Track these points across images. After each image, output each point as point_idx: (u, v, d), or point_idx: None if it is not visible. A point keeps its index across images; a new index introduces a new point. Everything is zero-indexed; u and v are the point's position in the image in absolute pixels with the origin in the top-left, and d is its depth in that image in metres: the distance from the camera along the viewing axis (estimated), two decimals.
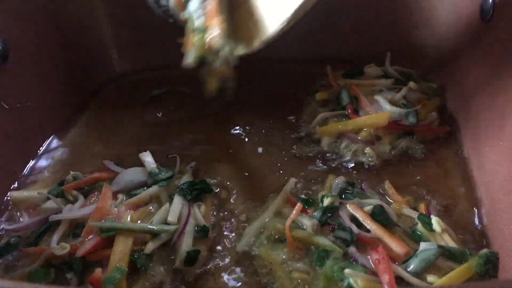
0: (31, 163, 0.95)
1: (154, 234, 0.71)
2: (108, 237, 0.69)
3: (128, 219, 0.72)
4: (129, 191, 0.80)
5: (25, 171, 0.93)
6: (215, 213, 0.82)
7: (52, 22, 1.00)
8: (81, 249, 0.68)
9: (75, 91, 1.09)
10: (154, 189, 0.78)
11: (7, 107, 0.88)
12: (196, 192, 0.80)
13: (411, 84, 0.96)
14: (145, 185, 0.81)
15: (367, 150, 0.89)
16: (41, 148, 0.99)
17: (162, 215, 0.74)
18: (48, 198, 0.79)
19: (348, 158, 0.90)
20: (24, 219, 0.79)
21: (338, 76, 1.03)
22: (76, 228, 0.73)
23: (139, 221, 0.73)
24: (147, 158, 0.85)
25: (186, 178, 0.83)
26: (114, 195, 0.78)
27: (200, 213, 0.78)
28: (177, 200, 0.76)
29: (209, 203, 0.82)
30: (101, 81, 1.12)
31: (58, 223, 0.74)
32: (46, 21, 0.98)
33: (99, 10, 1.14)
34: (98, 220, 0.72)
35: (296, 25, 0.74)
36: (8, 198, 0.84)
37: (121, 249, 0.68)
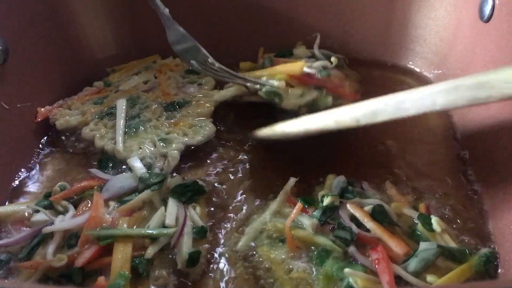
0: (22, 173, 0.93)
1: (153, 239, 0.72)
2: (106, 245, 0.70)
3: (125, 225, 0.73)
4: (120, 198, 0.79)
5: (14, 183, 0.91)
6: (215, 213, 0.83)
7: (52, 22, 0.99)
8: (80, 259, 0.68)
9: (75, 90, 1.09)
10: (146, 193, 0.78)
11: (7, 107, 0.88)
12: (190, 194, 0.81)
13: (333, 59, 1.03)
14: (135, 190, 0.80)
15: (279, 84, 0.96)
16: (34, 155, 0.97)
17: (158, 219, 0.74)
18: (37, 211, 0.77)
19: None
20: (13, 234, 0.76)
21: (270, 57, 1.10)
22: (70, 239, 0.72)
23: (134, 227, 0.74)
24: (136, 163, 0.84)
25: (176, 181, 0.83)
26: (105, 202, 0.78)
27: (196, 214, 0.78)
28: (172, 203, 0.77)
29: (204, 203, 0.83)
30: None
31: (50, 235, 0.73)
32: (46, 20, 0.98)
33: (99, 7, 1.14)
34: (93, 229, 0.72)
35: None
36: None
37: (121, 256, 0.68)
